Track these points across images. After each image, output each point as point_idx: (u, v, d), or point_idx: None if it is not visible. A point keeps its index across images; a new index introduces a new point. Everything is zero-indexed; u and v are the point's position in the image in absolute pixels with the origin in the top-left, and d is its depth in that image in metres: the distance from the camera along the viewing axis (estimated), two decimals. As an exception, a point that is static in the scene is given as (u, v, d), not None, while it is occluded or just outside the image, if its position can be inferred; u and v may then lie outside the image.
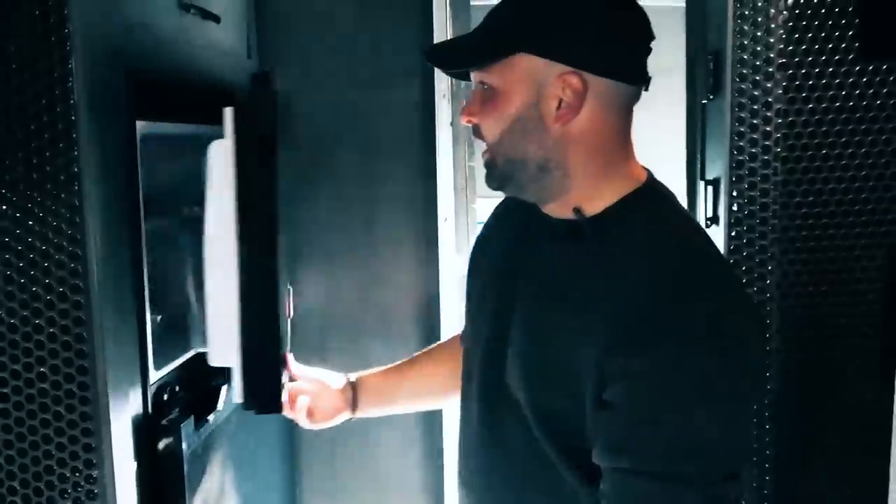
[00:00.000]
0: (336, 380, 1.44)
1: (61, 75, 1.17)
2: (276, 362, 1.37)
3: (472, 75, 1.05)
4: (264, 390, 1.35)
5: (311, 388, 1.42)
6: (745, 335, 0.96)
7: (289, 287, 1.48)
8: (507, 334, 1.08)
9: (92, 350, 1.21)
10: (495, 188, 1.08)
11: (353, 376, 1.45)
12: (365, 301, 2.15)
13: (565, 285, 1.04)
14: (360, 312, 2.17)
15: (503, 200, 1.25)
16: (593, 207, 1.03)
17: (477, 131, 1.06)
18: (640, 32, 1.02)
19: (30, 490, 1.25)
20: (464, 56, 1.05)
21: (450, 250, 2.13)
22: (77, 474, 1.24)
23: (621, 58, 1.00)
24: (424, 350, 1.52)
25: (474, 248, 1.29)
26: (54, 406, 1.22)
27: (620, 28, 1.00)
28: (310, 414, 1.41)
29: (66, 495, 1.24)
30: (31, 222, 1.20)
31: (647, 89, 1.05)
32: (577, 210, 1.03)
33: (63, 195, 1.19)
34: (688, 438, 0.92)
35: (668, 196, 1.08)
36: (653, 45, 1.03)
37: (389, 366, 1.48)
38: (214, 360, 1.35)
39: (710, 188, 1.51)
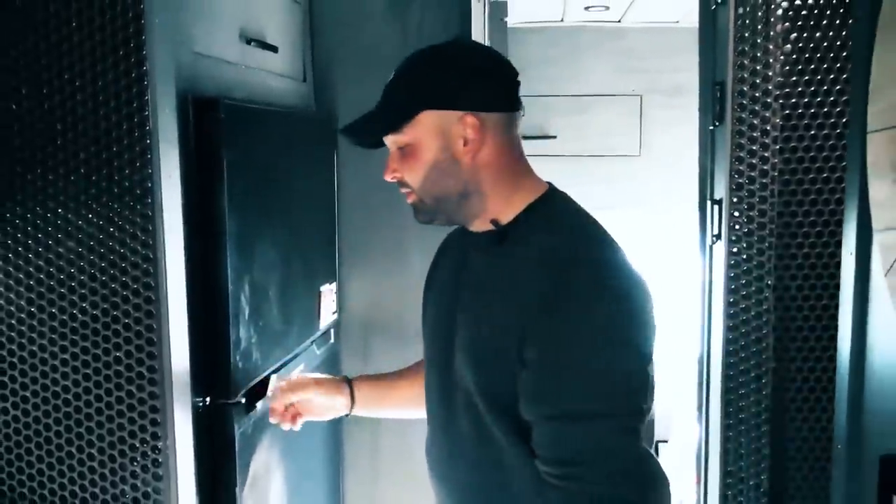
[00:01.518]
0: (334, 382, 1.58)
1: (139, 105, 1.37)
2: None
3: (387, 141, 1.26)
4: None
5: (307, 390, 1.55)
6: (628, 292, 1.15)
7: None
8: (454, 335, 1.29)
9: (160, 338, 1.41)
10: (426, 222, 1.31)
11: (350, 377, 1.59)
12: (405, 305, 2.31)
13: (492, 282, 1.25)
14: (401, 316, 2.32)
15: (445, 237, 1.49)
16: (507, 217, 1.25)
17: (402, 183, 1.28)
18: (506, 71, 1.26)
19: (105, 456, 1.46)
20: (378, 128, 1.27)
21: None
22: (145, 445, 1.44)
23: (499, 93, 1.24)
24: (415, 362, 1.64)
25: (427, 274, 1.51)
26: (127, 385, 1.43)
27: (491, 71, 1.25)
28: (307, 411, 1.55)
29: (135, 462, 1.45)
30: (111, 229, 1.41)
31: (524, 114, 1.28)
32: (494, 222, 1.26)
33: (138, 206, 1.40)
34: (593, 380, 1.12)
35: (564, 199, 1.29)
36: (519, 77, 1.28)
37: (383, 373, 1.65)
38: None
39: (716, 207, 1.63)
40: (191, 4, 1.58)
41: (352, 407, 1.56)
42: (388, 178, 1.29)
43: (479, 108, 1.21)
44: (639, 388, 1.14)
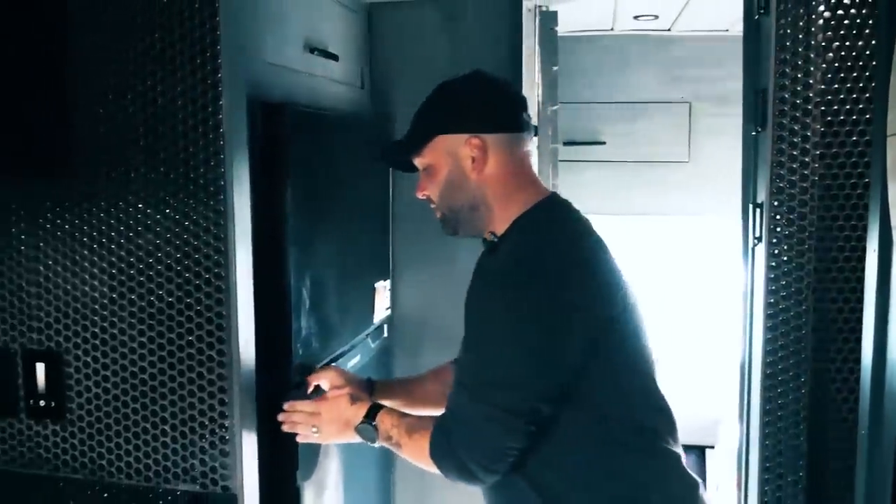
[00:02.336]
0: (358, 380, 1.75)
1: (214, 109, 1.49)
2: None
3: (416, 162, 1.52)
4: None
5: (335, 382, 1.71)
6: (547, 295, 1.31)
7: None
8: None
9: (229, 325, 1.53)
10: (451, 234, 1.54)
11: (373, 379, 1.79)
12: (454, 305, 2.38)
13: (472, 290, 1.48)
14: (450, 315, 2.39)
15: None
16: (502, 228, 1.46)
17: (430, 200, 1.52)
18: (510, 98, 1.51)
19: (177, 433, 1.58)
20: (403, 152, 1.53)
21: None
22: (213, 423, 1.56)
23: (502, 117, 1.47)
24: (432, 368, 1.82)
25: None
26: (198, 368, 1.55)
27: (494, 99, 1.48)
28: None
29: (203, 439, 1.57)
30: (186, 223, 1.54)
31: (535, 133, 1.50)
32: (491, 233, 1.48)
33: (211, 203, 1.52)
34: (481, 363, 1.38)
35: (551, 209, 1.46)
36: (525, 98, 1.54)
37: (406, 377, 1.90)
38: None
39: (757, 210, 1.68)
40: (260, 16, 1.70)
41: None
42: (419, 195, 1.53)
43: (483, 130, 1.43)
44: (516, 384, 1.32)
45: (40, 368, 1.63)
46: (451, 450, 1.37)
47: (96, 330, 1.60)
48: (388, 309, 2.28)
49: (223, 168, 1.51)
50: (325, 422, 1.58)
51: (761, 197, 1.67)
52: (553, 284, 1.32)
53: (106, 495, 1.59)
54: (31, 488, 1.63)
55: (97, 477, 1.63)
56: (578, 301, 1.32)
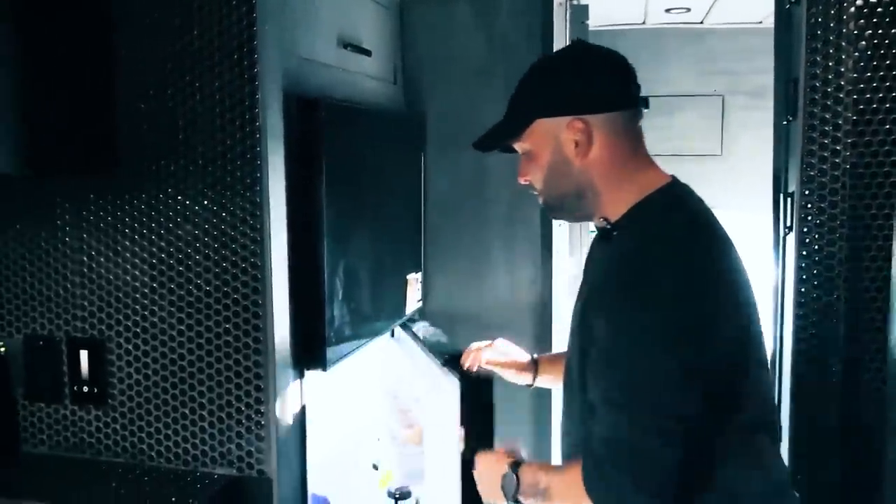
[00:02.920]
0: (523, 354, 1.81)
1: (251, 104, 1.54)
2: None
3: (516, 147, 1.38)
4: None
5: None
6: (685, 300, 1.18)
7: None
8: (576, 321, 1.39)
9: (264, 313, 1.57)
10: (556, 218, 1.43)
11: (536, 356, 1.80)
12: (486, 298, 2.42)
13: (591, 278, 1.37)
14: (482, 308, 2.43)
15: None
16: (616, 214, 1.32)
17: (531, 185, 1.39)
18: (615, 71, 1.32)
19: (214, 418, 1.63)
20: (500, 137, 1.39)
21: (563, 253, 2.37)
22: (249, 409, 1.60)
23: (606, 95, 1.30)
24: None
25: None
26: (235, 354, 1.60)
27: (597, 75, 1.31)
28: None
29: (240, 424, 1.61)
30: (224, 214, 1.58)
31: (646, 107, 1.32)
32: (604, 219, 1.34)
33: (248, 194, 1.56)
34: (630, 377, 1.19)
35: (673, 197, 1.31)
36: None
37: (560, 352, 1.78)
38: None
39: (788, 200, 1.68)
40: (296, 13, 1.73)
41: (533, 381, 1.77)
42: (520, 181, 1.40)
43: (585, 111, 1.28)
44: (671, 394, 1.17)
45: (84, 356, 1.69)
46: (612, 475, 1.20)
47: (137, 318, 1.65)
48: (419, 301, 2.31)
49: (259, 161, 1.55)
50: (480, 479, 1.52)
51: (792, 186, 1.66)
52: (691, 293, 1.19)
53: (146, 479, 1.64)
54: (75, 472, 1.69)
55: (137, 461, 1.69)
56: (718, 305, 1.22)
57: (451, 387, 1.83)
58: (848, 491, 1.64)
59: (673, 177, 1.34)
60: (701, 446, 1.19)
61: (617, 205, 1.32)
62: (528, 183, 1.40)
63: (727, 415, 1.22)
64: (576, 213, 1.40)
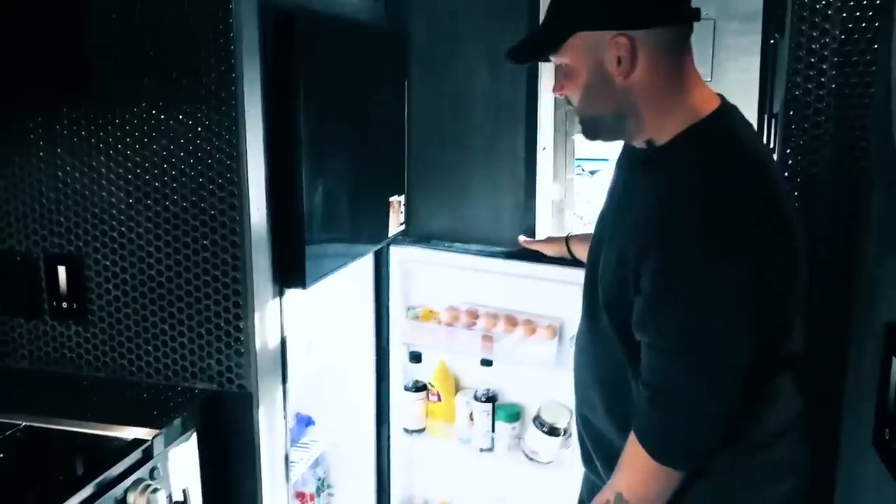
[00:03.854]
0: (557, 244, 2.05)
1: (224, 15, 1.49)
2: None
3: (552, 59, 1.27)
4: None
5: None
6: (743, 244, 1.12)
7: None
8: (602, 247, 1.32)
9: (242, 229, 1.56)
10: (591, 139, 1.31)
11: (569, 236, 2.04)
12: (467, 221, 2.38)
13: (631, 206, 1.25)
14: (462, 231, 2.41)
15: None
16: (662, 139, 1.22)
17: (567, 100, 1.30)
18: None
19: (194, 334, 1.64)
20: (535, 50, 1.30)
21: (547, 176, 2.35)
22: (228, 325, 1.61)
23: (652, 9, 1.18)
24: None
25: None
26: (213, 271, 1.60)
27: None
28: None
29: (219, 340, 1.62)
30: (199, 129, 1.56)
31: (697, 19, 1.22)
32: (649, 142, 1.24)
33: (223, 108, 1.53)
34: (688, 324, 1.13)
35: (724, 125, 1.22)
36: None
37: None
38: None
39: (773, 121, 1.66)
40: (271, -80, 1.67)
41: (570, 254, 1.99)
42: (556, 94, 1.30)
43: (630, 26, 1.17)
44: (730, 342, 1.14)
45: (62, 272, 1.68)
46: (672, 425, 1.18)
47: (115, 234, 1.64)
48: (402, 224, 2.30)
49: (234, 74, 1.51)
50: None
51: (777, 107, 1.64)
52: (752, 234, 1.13)
53: (128, 393, 1.66)
54: (57, 386, 1.71)
55: (119, 376, 1.70)
56: (783, 239, 1.17)
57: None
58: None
59: (721, 97, 1.25)
60: (746, 390, 1.16)
61: (663, 129, 1.22)
62: (563, 97, 1.30)
63: (771, 354, 1.20)
64: (613, 135, 1.29)
